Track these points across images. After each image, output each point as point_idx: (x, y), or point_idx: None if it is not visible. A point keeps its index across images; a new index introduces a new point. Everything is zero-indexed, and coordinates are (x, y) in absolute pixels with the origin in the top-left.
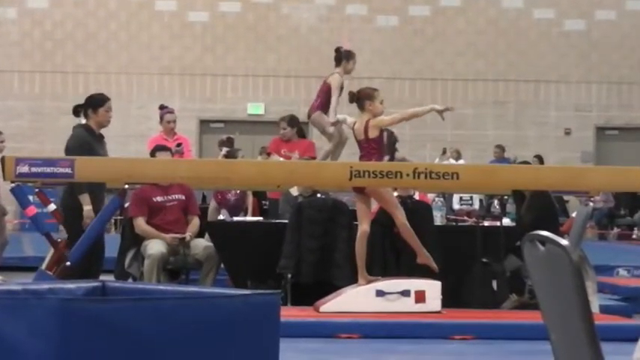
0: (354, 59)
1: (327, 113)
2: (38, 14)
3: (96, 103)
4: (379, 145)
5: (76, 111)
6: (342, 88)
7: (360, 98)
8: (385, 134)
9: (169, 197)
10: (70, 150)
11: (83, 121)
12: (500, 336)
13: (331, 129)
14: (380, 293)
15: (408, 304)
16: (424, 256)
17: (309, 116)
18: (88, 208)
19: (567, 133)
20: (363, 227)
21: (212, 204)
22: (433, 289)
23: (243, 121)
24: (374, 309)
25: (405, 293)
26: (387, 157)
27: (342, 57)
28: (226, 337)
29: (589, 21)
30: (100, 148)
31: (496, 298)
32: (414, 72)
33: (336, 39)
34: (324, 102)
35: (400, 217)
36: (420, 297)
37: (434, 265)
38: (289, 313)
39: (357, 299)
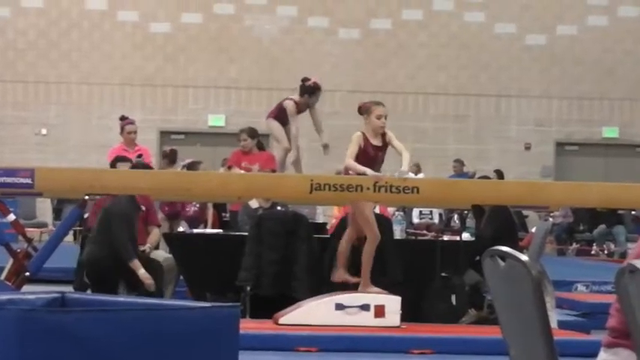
0: (317, 95)
1: (286, 128)
2: (0, 24)
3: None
4: (361, 160)
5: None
6: (310, 111)
7: (360, 112)
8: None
9: None
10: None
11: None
12: (459, 351)
13: (285, 142)
14: (339, 307)
15: (368, 319)
16: (366, 285)
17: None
18: (142, 271)
19: (527, 147)
20: (374, 233)
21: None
22: (393, 304)
23: (204, 132)
24: (333, 322)
25: (365, 307)
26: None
27: (306, 91)
28: (185, 349)
29: (550, 36)
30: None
31: (455, 312)
32: (376, 85)
33: (298, 51)
34: (278, 115)
35: (372, 240)
36: (380, 311)
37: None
38: (248, 326)
39: (316, 312)
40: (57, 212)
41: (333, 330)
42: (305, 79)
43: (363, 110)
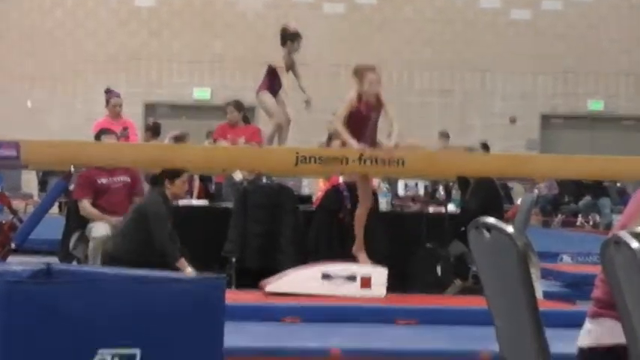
0: (298, 40)
1: (276, 95)
2: None
3: (174, 174)
4: (349, 126)
5: (154, 181)
6: (292, 66)
7: (355, 76)
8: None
9: (115, 179)
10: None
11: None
12: (445, 321)
13: (277, 117)
14: (326, 276)
15: (353, 289)
16: (359, 248)
17: (257, 94)
18: (189, 270)
19: (513, 121)
20: (367, 204)
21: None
22: (379, 275)
23: (190, 105)
24: (319, 291)
25: (352, 278)
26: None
27: (287, 37)
28: (172, 320)
29: (535, 10)
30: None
31: (440, 283)
32: (360, 59)
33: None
34: (270, 85)
35: (365, 207)
36: (366, 283)
37: (363, 258)
38: (234, 297)
39: (303, 281)
40: (42, 184)
41: (318, 300)
42: (285, 28)
43: (357, 75)
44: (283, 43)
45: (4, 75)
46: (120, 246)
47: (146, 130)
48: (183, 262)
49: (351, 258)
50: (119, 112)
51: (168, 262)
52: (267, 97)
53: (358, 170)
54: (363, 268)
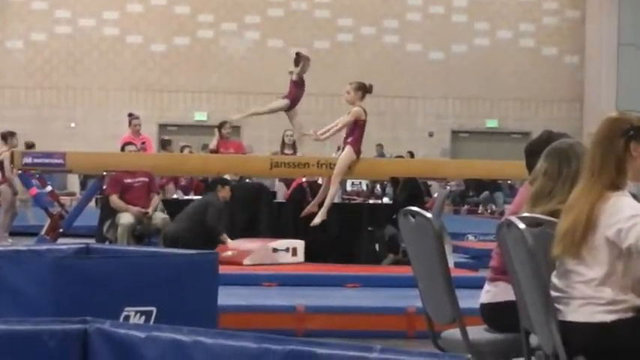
0: (308, 63)
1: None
2: (39, 45)
3: (222, 182)
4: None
5: (211, 187)
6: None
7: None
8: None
9: (136, 180)
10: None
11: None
12: (381, 284)
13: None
14: (275, 250)
15: (288, 257)
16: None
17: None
18: (228, 240)
19: (430, 135)
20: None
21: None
22: (300, 246)
23: (192, 125)
24: (272, 261)
25: (287, 249)
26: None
27: (302, 59)
28: (179, 284)
29: (447, 53)
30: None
31: (378, 256)
32: (319, 89)
33: (260, 65)
34: (294, 94)
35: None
36: (295, 252)
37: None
38: (225, 268)
39: (264, 254)
40: (83, 184)
41: (288, 269)
42: (298, 52)
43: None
44: (297, 63)
45: (54, 100)
46: (179, 227)
47: (162, 147)
48: (224, 236)
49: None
50: (139, 130)
51: (214, 236)
52: (283, 102)
53: (317, 173)
54: (292, 242)
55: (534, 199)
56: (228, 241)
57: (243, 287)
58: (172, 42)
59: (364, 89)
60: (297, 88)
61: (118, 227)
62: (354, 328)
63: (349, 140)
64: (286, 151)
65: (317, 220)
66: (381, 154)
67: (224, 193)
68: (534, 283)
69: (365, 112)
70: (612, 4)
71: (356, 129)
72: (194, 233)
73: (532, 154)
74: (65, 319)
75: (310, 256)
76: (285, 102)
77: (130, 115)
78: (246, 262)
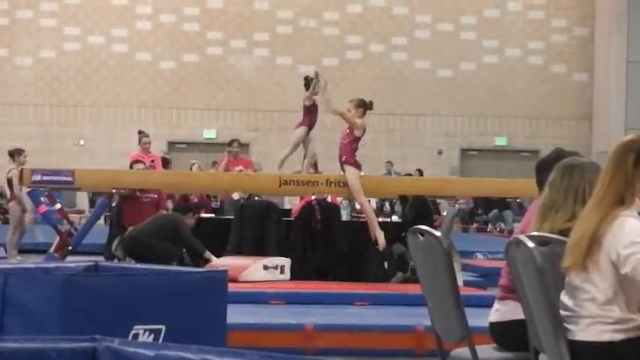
0: (316, 81)
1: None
2: (48, 62)
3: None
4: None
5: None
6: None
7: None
8: None
9: (145, 196)
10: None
11: None
12: (390, 303)
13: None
14: (265, 267)
15: (277, 275)
16: (376, 232)
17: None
18: (214, 258)
19: (439, 153)
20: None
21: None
22: (287, 264)
23: (201, 143)
24: (265, 278)
25: (276, 267)
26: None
27: (310, 83)
28: (188, 302)
29: (455, 70)
30: None
31: (387, 274)
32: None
33: (269, 83)
34: (310, 122)
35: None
36: (282, 269)
37: (382, 240)
38: (234, 286)
39: (256, 271)
40: (91, 202)
41: (296, 287)
42: (307, 76)
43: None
44: (307, 88)
45: (62, 117)
46: (145, 240)
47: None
48: (208, 253)
49: (321, 256)
50: (148, 148)
51: (197, 254)
52: (300, 131)
53: (325, 191)
54: (279, 259)
55: (541, 213)
56: (213, 258)
57: (251, 305)
58: (181, 59)
59: (365, 106)
60: (311, 113)
61: None
62: (363, 346)
63: (344, 160)
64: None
65: (381, 240)
66: (390, 172)
67: (191, 220)
68: (543, 302)
69: (364, 129)
70: (621, 21)
71: (349, 146)
72: (164, 249)
73: (542, 171)
74: (74, 337)
75: (321, 274)
76: (304, 129)
77: (140, 132)
78: (241, 278)
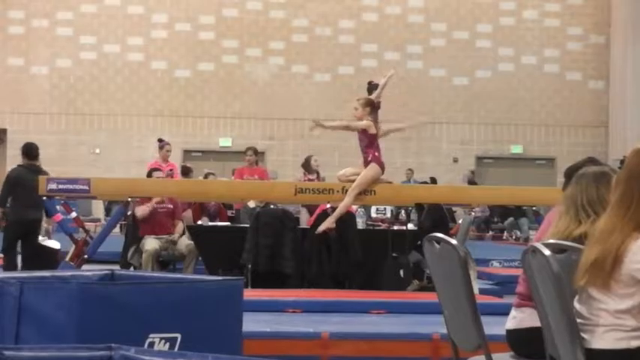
0: (375, 89)
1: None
2: (64, 71)
3: None
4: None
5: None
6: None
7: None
8: None
9: (161, 205)
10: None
11: None
12: (406, 311)
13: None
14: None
15: None
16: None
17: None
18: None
19: (455, 160)
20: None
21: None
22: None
23: (216, 151)
24: None
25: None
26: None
27: (372, 88)
28: (204, 311)
29: (471, 78)
30: None
31: (402, 282)
32: (343, 115)
33: (284, 91)
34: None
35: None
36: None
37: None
38: (249, 294)
39: None
40: (107, 210)
41: (311, 295)
42: (370, 81)
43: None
44: (370, 92)
45: (78, 126)
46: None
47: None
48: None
49: (335, 265)
50: (168, 157)
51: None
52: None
53: (341, 199)
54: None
55: (555, 220)
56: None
57: (267, 313)
58: (197, 67)
59: (372, 105)
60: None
61: (143, 253)
62: (379, 354)
63: (370, 157)
64: (310, 177)
65: (322, 228)
66: (409, 180)
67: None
68: (559, 310)
69: (377, 127)
70: (636, 29)
71: (372, 144)
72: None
73: (569, 177)
74: (90, 345)
75: (336, 282)
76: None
77: (161, 140)
78: None
